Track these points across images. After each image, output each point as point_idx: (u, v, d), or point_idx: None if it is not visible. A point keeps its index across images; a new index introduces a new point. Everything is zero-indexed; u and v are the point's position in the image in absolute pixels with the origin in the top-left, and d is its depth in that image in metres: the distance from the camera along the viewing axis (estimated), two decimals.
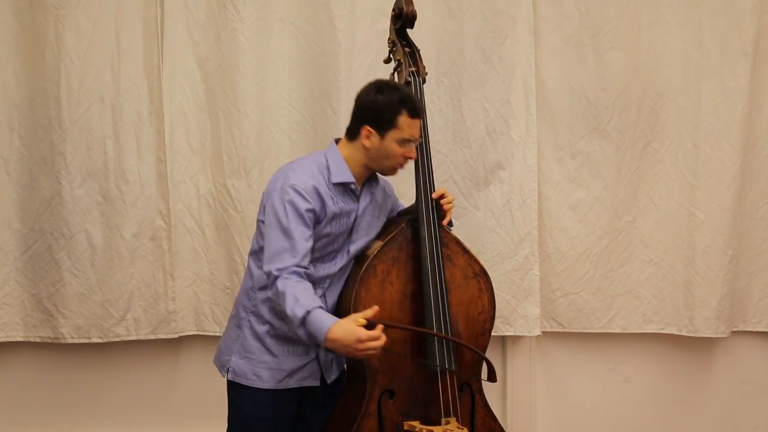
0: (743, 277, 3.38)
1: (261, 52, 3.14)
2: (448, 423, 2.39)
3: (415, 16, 2.61)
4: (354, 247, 2.43)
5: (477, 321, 2.51)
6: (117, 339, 3.19)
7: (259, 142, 3.16)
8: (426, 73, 2.62)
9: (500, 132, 3.24)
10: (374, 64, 3.07)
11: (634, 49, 3.24)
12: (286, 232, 2.26)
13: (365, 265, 2.40)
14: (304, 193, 2.27)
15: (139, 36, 3.11)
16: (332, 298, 2.44)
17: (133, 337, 3.20)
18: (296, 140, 3.18)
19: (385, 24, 3.10)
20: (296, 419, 2.50)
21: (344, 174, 2.36)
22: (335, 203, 2.34)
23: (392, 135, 2.31)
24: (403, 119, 2.30)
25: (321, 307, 2.19)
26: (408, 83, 2.57)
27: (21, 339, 3.20)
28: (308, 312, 2.15)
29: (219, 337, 3.20)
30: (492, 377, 2.42)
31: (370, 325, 2.14)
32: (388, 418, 2.39)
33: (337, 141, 2.44)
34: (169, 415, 3.36)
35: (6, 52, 3.10)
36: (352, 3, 3.14)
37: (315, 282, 2.36)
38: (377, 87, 2.34)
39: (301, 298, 2.17)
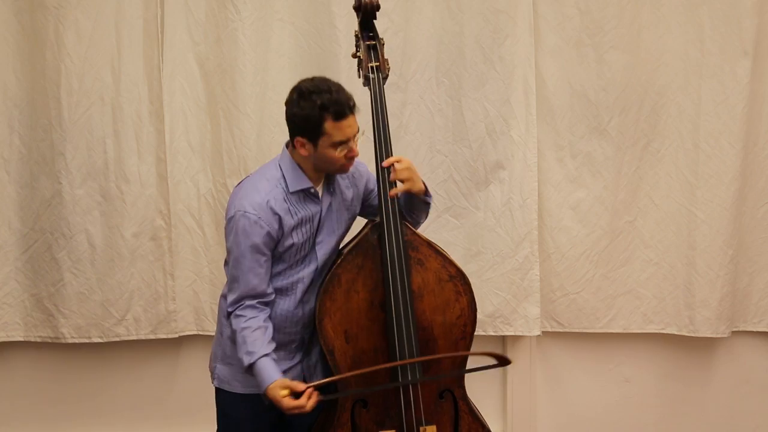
0: (743, 277, 3.37)
1: (261, 52, 3.14)
2: None
3: (375, 6, 2.48)
4: (321, 249, 2.39)
5: (455, 325, 2.43)
6: (117, 339, 3.20)
7: (259, 142, 3.16)
8: (389, 68, 2.49)
9: (500, 132, 3.23)
10: None
11: (634, 49, 3.23)
12: (236, 263, 2.27)
13: (329, 274, 2.36)
14: (257, 219, 2.24)
15: (139, 36, 3.11)
16: (310, 303, 2.41)
17: (133, 337, 3.21)
18: None
19: (386, 24, 3.11)
20: (278, 421, 2.48)
21: (301, 181, 2.31)
22: (294, 215, 2.30)
23: (323, 142, 2.23)
24: (329, 125, 2.20)
25: (266, 355, 2.23)
26: (368, 79, 2.44)
27: (21, 339, 3.21)
28: (252, 363, 2.23)
29: None
30: (503, 361, 2.31)
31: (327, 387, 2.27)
32: (362, 427, 2.36)
33: (288, 145, 2.37)
34: (169, 415, 3.36)
35: (6, 52, 3.10)
36: (352, 3, 3.13)
37: (285, 289, 2.35)
38: (299, 94, 2.24)
39: (249, 344, 2.24)
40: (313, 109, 2.20)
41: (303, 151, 2.28)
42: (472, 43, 3.20)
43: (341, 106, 2.21)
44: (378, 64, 2.45)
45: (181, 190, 3.18)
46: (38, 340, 3.21)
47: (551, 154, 3.30)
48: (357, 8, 2.53)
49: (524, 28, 3.20)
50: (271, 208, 2.26)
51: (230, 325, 2.30)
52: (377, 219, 2.43)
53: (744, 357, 3.49)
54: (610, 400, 3.49)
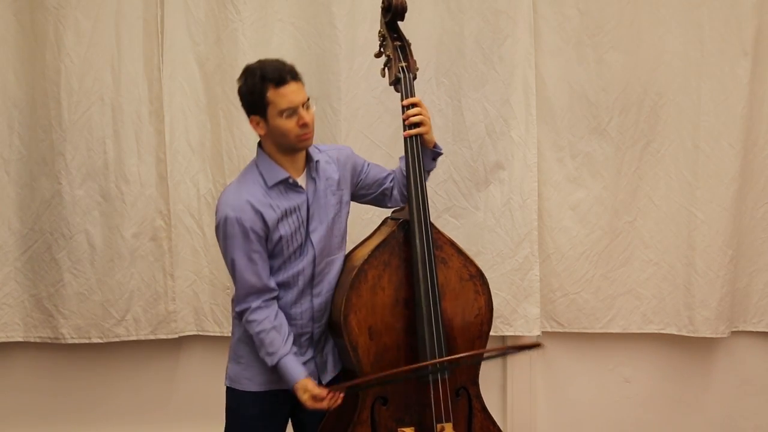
0: (743, 277, 3.38)
1: (261, 52, 3.12)
2: (443, 429, 2.37)
3: (405, 7, 2.51)
4: (315, 236, 2.39)
5: (473, 324, 2.47)
6: (117, 339, 3.20)
7: None
8: (417, 68, 2.54)
9: (500, 132, 3.23)
10: (374, 65, 3.05)
11: (634, 49, 3.24)
12: (232, 266, 2.32)
13: (356, 270, 2.37)
14: (237, 219, 2.27)
15: (139, 36, 3.11)
16: (320, 297, 2.42)
17: (133, 338, 3.20)
18: None
19: None
20: (289, 419, 2.51)
21: (277, 172, 2.33)
22: (276, 209, 2.32)
23: (271, 113, 2.27)
24: (272, 93, 2.25)
25: (287, 355, 2.32)
26: (398, 79, 2.48)
27: (21, 339, 3.21)
28: (275, 364, 2.32)
29: (219, 337, 3.22)
30: (534, 345, 2.48)
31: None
32: (381, 424, 2.37)
33: (259, 143, 2.41)
34: (170, 416, 3.36)
35: (6, 52, 3.10)
36: (352, 3, 3.14)
37: (287, 283, 2.37)
38: (244, 73, 2.31)
39: (268, 345, 2.32)
40: (254, 79, 2.27)
41: (260, 130, 2.32)
42: (472, 44, 3.20)
43: (280, 72, 2.27)
44: (407, 64, 2.49)
45: (181, 191, 3.18)
46: (38, 340, 3.20)
47: (551, 155, 3.30)
48: (386, 8, 2.54)
49: (524, 28, 3.20)
50: (252, 206, 2.29)
51: (242, 326, 2.37)
52: (401, 218, 2.46)
53: (744, 357, 3.49)
54: (610, 400, 3.49)
